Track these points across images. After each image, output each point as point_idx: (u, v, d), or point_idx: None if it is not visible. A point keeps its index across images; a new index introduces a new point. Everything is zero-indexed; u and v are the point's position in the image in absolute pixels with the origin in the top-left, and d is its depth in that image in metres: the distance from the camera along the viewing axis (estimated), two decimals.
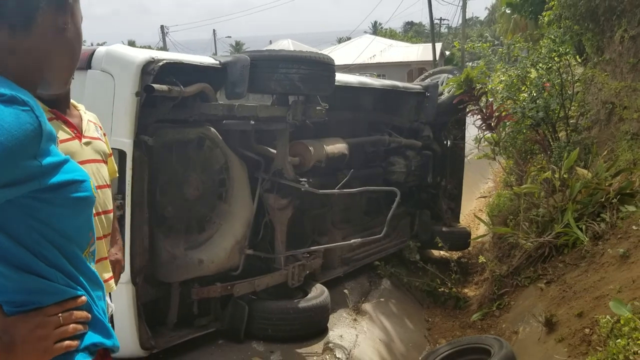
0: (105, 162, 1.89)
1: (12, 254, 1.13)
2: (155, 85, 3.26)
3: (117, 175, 2.14)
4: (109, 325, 1.33)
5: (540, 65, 6.78)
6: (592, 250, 4.26)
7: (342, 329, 4.30)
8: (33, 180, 1.09)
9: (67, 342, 1.19)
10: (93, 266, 1.31)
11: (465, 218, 8.55)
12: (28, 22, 1.18)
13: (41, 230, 1.15)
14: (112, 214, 1.93)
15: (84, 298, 1.23)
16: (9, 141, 1.02)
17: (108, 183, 1.89)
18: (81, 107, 1.88)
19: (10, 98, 1.06)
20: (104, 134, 1.98)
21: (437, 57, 31.39)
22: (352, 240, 4.74)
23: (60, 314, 1.18)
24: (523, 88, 6.86)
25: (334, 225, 5.54)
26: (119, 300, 3.00)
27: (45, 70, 1.26)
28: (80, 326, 1.22)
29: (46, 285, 1.17)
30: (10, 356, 1.10)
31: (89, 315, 1.25)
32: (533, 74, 6.93)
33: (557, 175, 5.18)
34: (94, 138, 1.83)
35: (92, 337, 1.25)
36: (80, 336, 1.23)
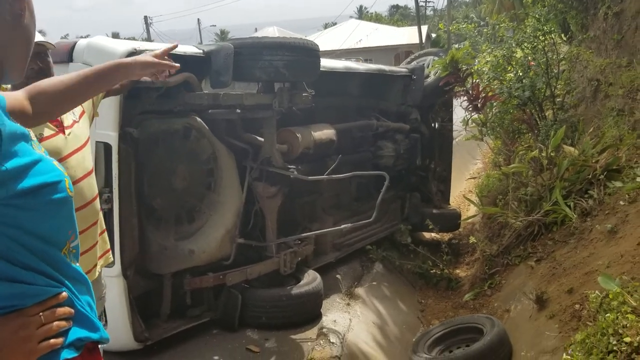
0: (87, 141, 1.87)
1: None
2: None
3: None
4: (95, 318, 1.29)
5: (526, 44, 6.76)
6: (581, 226, 4.30)
7: (336, 314, 4.32)
8: None
9: (51, 341, 1.15)
10: (74, 262, 1.26)
11: (455, 199, 8.59)
12: None
13: (13, 236, 1.09)
14: (97, 200, 1.92)
15: (64, 294, 1.19)
16: None
17: (91, 168, 1.87)
18: None
19: None
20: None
21: (424, 40, 31.29)
22: (343, 226, 4.75)
23: (41, 313, 1.14)
24: (509, 68, 6.85)
25: (325, 211, 5.54)
26: (110, 294, 2.99)
27: (4, 62, 1.18)
28: (63, 322, 1.18)
29: (25, 289, 1.13)
30: None
31: (72, 311, 1.21)
32: (519, 53, 6.92)
33: (544, 154, 5.21)
34: (72, 124, 1.81)
35: (77, 332, 1.22)
36: (64, 332, 1.19)
